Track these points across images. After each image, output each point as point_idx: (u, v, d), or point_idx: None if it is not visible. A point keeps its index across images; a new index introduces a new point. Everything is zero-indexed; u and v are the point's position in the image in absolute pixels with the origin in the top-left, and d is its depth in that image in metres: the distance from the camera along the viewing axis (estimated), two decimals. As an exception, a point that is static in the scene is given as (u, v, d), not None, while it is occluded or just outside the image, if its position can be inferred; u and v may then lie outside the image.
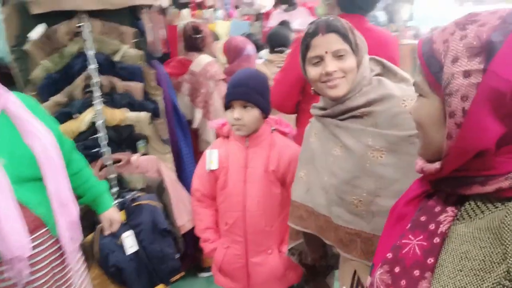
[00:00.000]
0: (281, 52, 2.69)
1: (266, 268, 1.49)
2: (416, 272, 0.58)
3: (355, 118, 1.05)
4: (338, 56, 1.04)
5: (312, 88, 1.13)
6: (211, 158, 1.53)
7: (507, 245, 0.49)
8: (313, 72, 1.08)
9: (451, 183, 0.60)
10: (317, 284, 1.42)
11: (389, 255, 0.63)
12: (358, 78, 1.06)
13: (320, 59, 1.06)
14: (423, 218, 0.63)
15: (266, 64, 2.72)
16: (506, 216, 0.51)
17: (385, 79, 1.07)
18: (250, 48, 2.70)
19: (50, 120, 1.38)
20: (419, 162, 0.67)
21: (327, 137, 1.11)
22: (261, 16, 5.03)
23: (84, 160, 1.56)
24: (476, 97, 0.53)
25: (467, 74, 0.54)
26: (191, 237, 2.34)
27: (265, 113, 1.47)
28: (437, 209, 0.62)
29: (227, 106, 1.46)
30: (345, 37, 1.03)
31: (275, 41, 2.75)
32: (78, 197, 1.54)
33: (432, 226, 0.60)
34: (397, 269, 0.61)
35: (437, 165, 0.61)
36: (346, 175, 1.03)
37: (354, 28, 1.08)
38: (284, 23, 3.31)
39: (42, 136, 1.24)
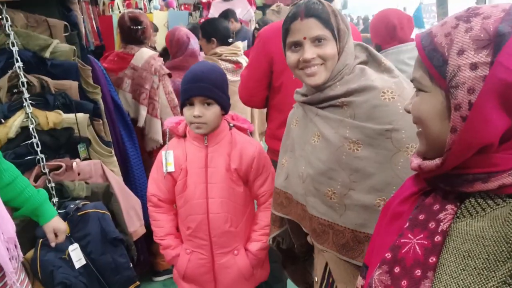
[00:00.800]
0: (228, 44, 2.60)
1: (234, 270, 1.45)
2: (418, 272, 0.56)
3: (334, 107, 1.02)
4: (317, 42, 0.99)
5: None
6: (167, 160, 1.43)
7: None
8: (291, 58, 1.03)
9: (452, 180, 0.59)
10: (295, 269, 1.39)
11: (388, 255, 0.61)
12: (339, 66, 1.01)
13: (298, 45, 1.01)
14: (421, 217, 0.61)
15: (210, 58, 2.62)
16: (510, 214, 0.51)
17: (368, 68, 1.03)
18: (193, 42, 2.58)
19: None
20: (414, 160, 0.65)
21: (306, 125, 1.08)
22: (201, 6, 4.89)
23: (15, 170, 1.41)
24: (483, 90, 0.52)
25: (474, 66, 0.53)
26: (143, 242, 2.24)
27: (225, 109, 1.41)
28: (436, 207, 0.61)
29: (184, 103, 1.37)
30: (325, 22, 0.98)
31: (208, 31, 2.59)
32: (15, 209, 1.42)
33: (432, 225, 0.59)
34: (397, 269, 0.59)
35: (437, 161, 0.59)
36: (322, 166, 1.00)
37: (338, 12, 1.02)
38: (226, 12, 3.19)
39: None
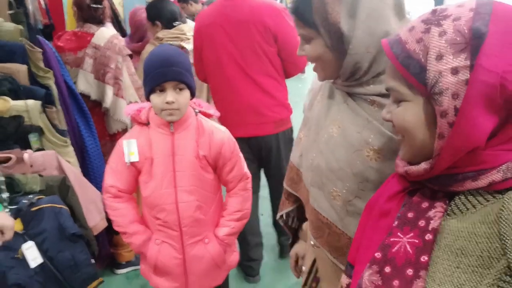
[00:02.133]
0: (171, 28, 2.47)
1: (206, 259, 1.43)
2: (409, 271, 0.55)
3: (365, 102, 0.90)
4: (304, 42, 0.91)
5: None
6: (130, 149, 1.35)
7: (506, 240, 0.49)
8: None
9: (441, 181, 0.58)
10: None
11: (378, 255, 0.60)
12: (347, 66, 0.86)
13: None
14: (410, 215, 0.60)
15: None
16: (503, 210, 0.51)
17: None
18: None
19: None
20: (400, 164, 0.64)
21: (329, 108, 0.97)
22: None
23: None
24: (467, 94, 0.51)
25: (455, 71, 0.52)
26: (104, 235, 2.15)
27: (193, 94, 1.36)
28: (425, 204, 0.60)
29: (153, 89, 1.29)
30: (304, 19, 0.88)
31: (153, 13, 2.46)
32: None
33: (422, 223, 0.58)
34: (387, 269, 0.58)
35: (424, 165, 0.58)
36: (334, 164, 0.92)
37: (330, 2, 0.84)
38: None
39: None
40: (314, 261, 1.08)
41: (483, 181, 0.54)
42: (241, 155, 1.49)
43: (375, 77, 0.88)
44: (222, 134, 1.41)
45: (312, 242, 1.03)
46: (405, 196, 0.65)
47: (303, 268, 1.14)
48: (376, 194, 0.73)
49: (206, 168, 1.39)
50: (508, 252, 0.48)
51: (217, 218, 1.48)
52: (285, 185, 1.18)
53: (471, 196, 0.56)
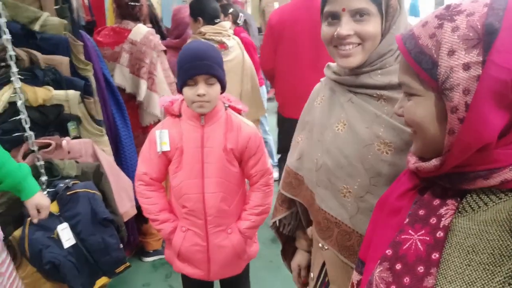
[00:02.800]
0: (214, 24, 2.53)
1: (228, 248, 1.47)
2: (420, 269, 0.55)
3: (369, 97, 0.89)
4: (358, 16, 0.83)
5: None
6: (162, 139, 1.41)
7: None
8: (325, 31, 0.88)
9: (452, 179, 0.58)
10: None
11: (389, 252, 0.60)
12: (381, 49, 0.86)
13: (336, 17, 0.85)
14: (421, 212, 0.60)
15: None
16: None
17: None
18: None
19: None
20: (411, 159, 0.64)
21: (332, 108, 0.96)
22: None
23: None
24: (478, 90, 0.51)
25: (466, 66, 0.52)
26: (133, 223, 2.23)
27: (224, 88, 1.40)
28: (436, 202, 0.59)
29: (185, 82, 1.33)
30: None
31: (196, 11, 2.52)
32: None
33: (433, 220, 0.58)
34: (398, 266, 0.58)
35: (435, 162, 0.58)
36: (343, 160, 0.91)
37: None
38: None
39: None
40: (323, 266, 1.05)
41: (495, 180, 0.54)
42: (265, 150, 1.51)
43: (384, 69, 0.87)
44: (249, 129, 1.44)
45: (320, 245, 1.01)
46: (416, 194, 0.65)
47: (311, 275, 1.12)
48: (388, 191, 0.73)
49: (232, 161, 1.43)
50: None
51: (240, 210, 1.51)
52: (281, 190, 1.17)
53: (483, 194, 0.56)
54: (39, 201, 1.45)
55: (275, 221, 1.21)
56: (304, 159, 1.05)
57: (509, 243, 0.49)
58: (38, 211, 1.47)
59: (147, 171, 1.46)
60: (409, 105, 0.61)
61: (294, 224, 1.22)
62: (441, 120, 0.56)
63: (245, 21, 3.60)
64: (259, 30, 4.95)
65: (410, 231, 0.59)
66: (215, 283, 1.63)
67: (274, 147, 3.57)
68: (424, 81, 0.57)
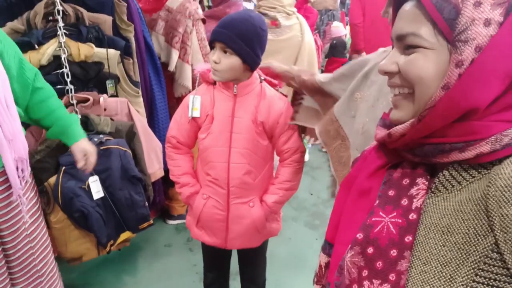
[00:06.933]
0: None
1: (247, 220, 1.47)
2: (393, 252, 0.53)
3: None
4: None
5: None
6: (194, 105, 1.42)
7: (493, 217, 0.46)
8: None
9: (425, 150, 0.54)
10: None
11: (359, 236, 0.57)
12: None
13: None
14: (391, 193, 0.57)
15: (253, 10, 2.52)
16: (490, 187, 0.48)
17: None
18: (238, -6, 2.49)
19: (9, 46, 1.27)
20: (379, 131, 0.60)
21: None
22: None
23: (51, 90, 1.45)
24: (487, 49, 0.48)
25: (487, 22, 0.49)
26: (161, 185, 2.30)
27: (249, 63, 1.34)
28: (406, 181, 0.57)
29: (211, 46, 1.34)
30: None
31: None
32: (46, 128, 1.48)
33: (404, 201, 0.55)
34: (370, 250, 0.56)
35: (412, 120, 0.54)
36: None
37: None
38: None
39: None
40: None
41: (470, 153, 0.50)
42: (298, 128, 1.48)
43: None
44: (282, 103, 1.41)
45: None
46: (385, 172, 0.61)
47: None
48: (353, 170, 0.69)
49: (262, 135, 1.42)
50: (496, 229, 0.46)
51: (265, 185, 1.50)
52: (317, 131, 1.16)
53: (455, 172, 0.53)
54: (85, 146, 1.49)
55: None
56: (355, 118, 1.04)
57: (484, 222, 0.48)
58: (85, 156, 1.49)
59: (175, 134, 1.48)
60: (413, 58, 0.54)
61: None
62: (443, 76, 0.52)
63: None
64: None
65: (381, 213, 0.56)
66: (233, 252, 1.66)
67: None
68: (441, 32, 0.52)
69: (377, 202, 0.58)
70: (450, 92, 0.50)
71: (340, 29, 4.51)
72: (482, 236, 0.48)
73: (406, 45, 0.55)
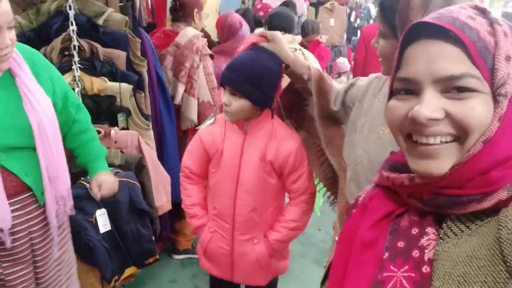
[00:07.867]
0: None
1: (251, 257, 1.44)
2: None
3: None
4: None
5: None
6: (206, 122, 1.49)
7: (511, 261, 0.44)
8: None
9: (440, 202, 0.51)
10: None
11: None
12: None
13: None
14: (401, 244, 0.54)
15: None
16: (501, 229, 0.46)
17: None
18: (245, 29, 2.54)
19: (55, 77, 1.32)
20: (391, 173, 0.58)
21: (382, 111, 0.96)
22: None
23: (88, 122, 1.50)
24: None
25: None
26: (167, 219, 2.27)
27: (260, 104, 1.34)
28: (415, 231, 0.54)
29: (222, 86, 1.37)
30: (386, 16, 0.66)
31: (276, 23, 2.49)
32: (76, 156, 1.52)
33: (416, 253, 0.52)
34: None
35: (451, 164, 0.51)
36: (375, 163, 0.90)
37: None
38: (288, 3, 3.10)
39: (40, 109, 1.20)
40: None
41: (489, 202, 0.48)
42: (309, 167, 1.45)
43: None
44: (293, 143, 1.39)
45: (337, 238, 1.00)
46: (389, 222, 0.58)
47: (325, 263, 1.16)
48: (352, 221, 0.64)
49: (270, 173, 1.40)
50: None
51: (271, 223, 1.47)
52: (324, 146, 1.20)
53: (463, 216, 0.51)
54: (104, 178, 1.47)
55: None
56: (350, 149, 1.07)
57: (501, 267, 0.45)
58: (99, 186, 1.48)
59: (188, 164, 1.50)
60: (474, 103, 0.49)
61: None
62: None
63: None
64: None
65: (391, 267, 0.53)
66: (242, 286, 1.61)
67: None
68: (486, 80, 0.49)
69: (386, 255, 0.55)
70: (491, 146, 0.48)
71: (346, 64, 4.68)
72: (502, 283, 0.45)
73: (458, 87, 0.49)
